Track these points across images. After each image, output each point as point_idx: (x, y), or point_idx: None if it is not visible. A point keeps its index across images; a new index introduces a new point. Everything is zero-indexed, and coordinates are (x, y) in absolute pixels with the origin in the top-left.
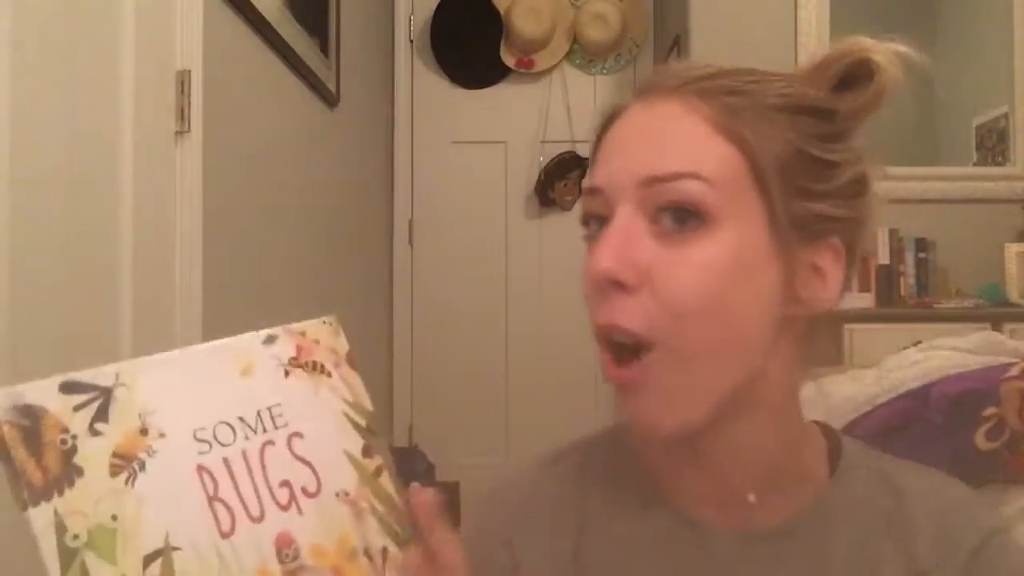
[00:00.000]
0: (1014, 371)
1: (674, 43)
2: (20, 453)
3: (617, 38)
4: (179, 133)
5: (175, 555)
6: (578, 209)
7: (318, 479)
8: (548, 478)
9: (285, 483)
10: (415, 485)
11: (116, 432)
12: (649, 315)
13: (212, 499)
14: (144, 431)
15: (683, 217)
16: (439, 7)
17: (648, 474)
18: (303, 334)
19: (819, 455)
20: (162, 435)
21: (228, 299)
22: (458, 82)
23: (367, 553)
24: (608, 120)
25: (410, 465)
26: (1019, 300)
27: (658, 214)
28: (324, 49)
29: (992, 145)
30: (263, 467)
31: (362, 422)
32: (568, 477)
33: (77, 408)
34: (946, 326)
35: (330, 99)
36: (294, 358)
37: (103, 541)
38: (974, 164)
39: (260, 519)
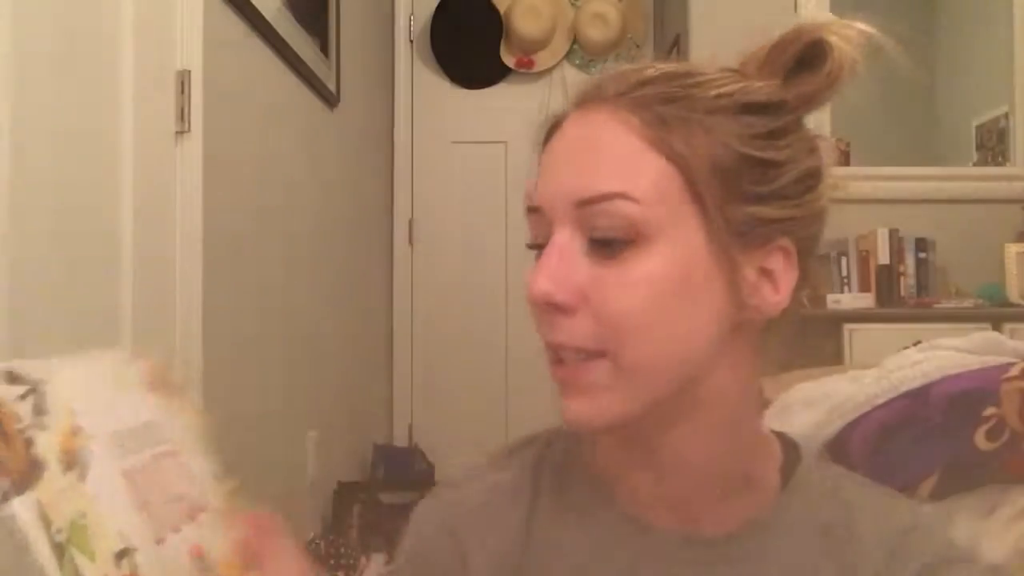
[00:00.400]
0: (1014, 371)
1: (674, 43)
2: None
3: (617, 38)
4: (179, 133)
5: (136, 556)
6: None
7: (199, 495)
8: (501, 475)
9: (181, 497)
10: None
11: (56, 428)
12: (592, 332)
13: (141, 505)
14: (76, 431)
15: (616, 236)
16: (439, 7)
17: (599, 474)
18: (147, 361)
19: (772, 465)
20: (91, 436)
21: (228, 299)
22: (458, 82)
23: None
24: (550, 130)
25: (410, 465)
26: (1019, 300)
27: (593, 234)
28: (324, 49)
29: (992, 145)
30: (161, 479)
31: (207, 445)
32: (522, 474)
33: (23, 398)
34: (946, 326)
35: (330, 99)
36: (149, 380)
37: (79, 537)
38: (974, 164)
39: (177, 529)
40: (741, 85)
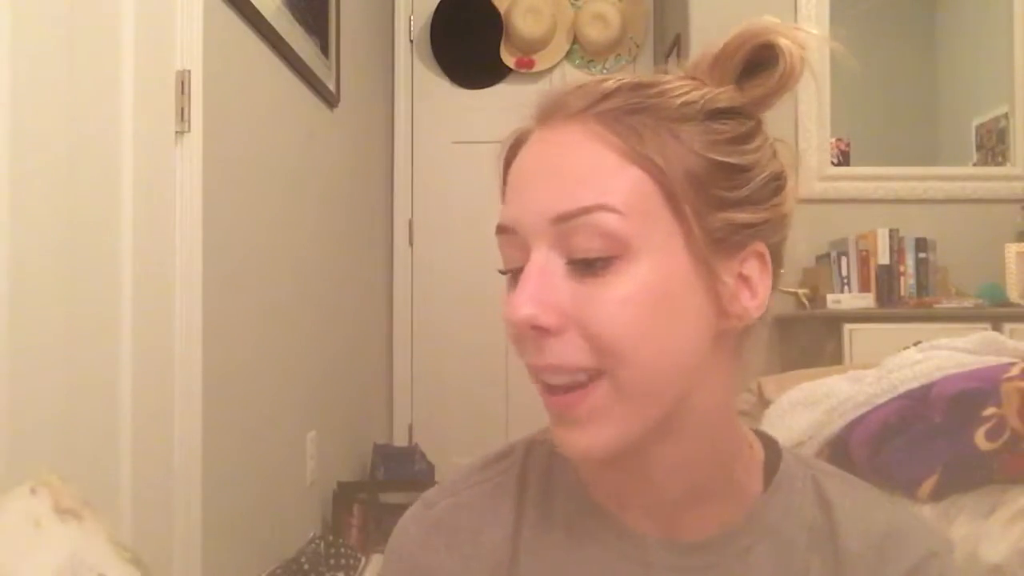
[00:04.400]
0: (1014, 371)
1: (674, 43)
2: None
3: (617, 38)
4: (179, 133)
5: None
6: None
7: None
8: (484, 488)
9: None
10: None
11: None
12: (582, 350)
13: None
14: None
15: (598, 252)
16: (439, 7)
17: (583, 481)
18: (47, 484)
19: (754, 467)
20: None
21: (228, 299)
22: (458, 82)
23: None
24: (513, 147)
25: (410, 465)
26: (1019, 300)
27: (573, 251)
28: (324, 49)
29: (992, 145)
30: None
31: (127, 555)
32: (504, 489)
33: None
34: (946, 326)
35: (330, 99)
36: (55, 504)
37: None
38: (974, 164)
39: None
40: (703, 92)
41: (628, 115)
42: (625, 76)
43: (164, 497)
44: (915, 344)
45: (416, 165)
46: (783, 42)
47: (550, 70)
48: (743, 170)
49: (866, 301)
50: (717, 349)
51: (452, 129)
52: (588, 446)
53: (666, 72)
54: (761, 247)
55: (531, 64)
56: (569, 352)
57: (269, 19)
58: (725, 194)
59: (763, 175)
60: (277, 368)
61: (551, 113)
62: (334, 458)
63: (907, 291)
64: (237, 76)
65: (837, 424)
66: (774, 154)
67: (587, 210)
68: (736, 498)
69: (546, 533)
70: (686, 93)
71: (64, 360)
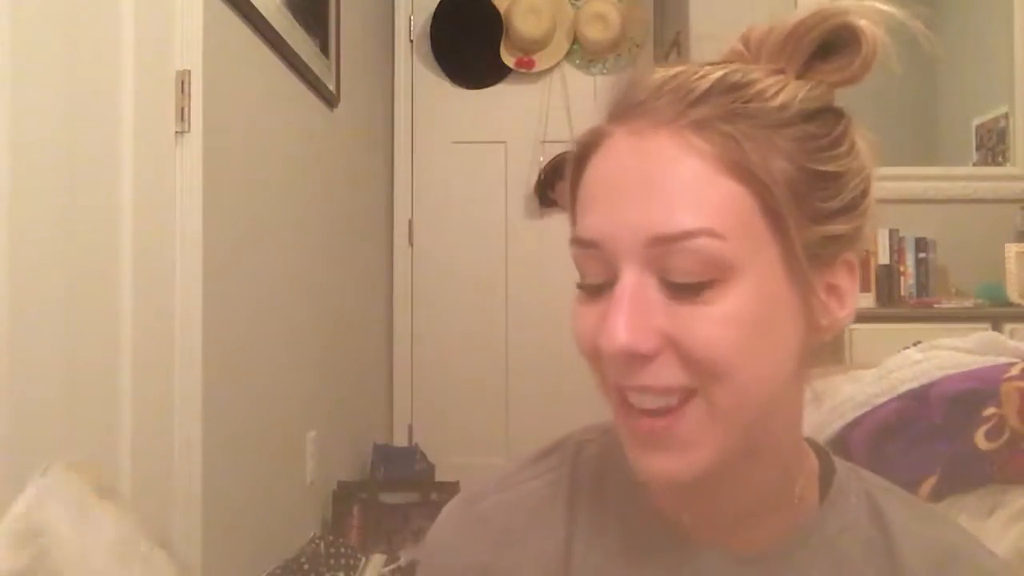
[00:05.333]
0: (1014, 371)
1: (674, 43)
2: None
3: (617, 38)
4: (179, 133)
5: None
6: None
7: None
8: (535, 487)
9: None
10: None
11: None
12: (677, 370)
13: None
14: None
15: (698, 277)
16: (439, 7)
17: (639, 485)
18: (89, 471)
19: (811, 479)
20: None
21: (228, 299)
22: (458, 82)
23: None
24: (587, 148)
25: (410, 465)
26: (1019, 300)
27: (669, 272)
28: (324, 49)
29: (992, 145)
30: None
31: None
32: (557, 487)
33: None
34: (946, 326)
35: (330, 99)
36: (100, 489)
37: None
38: (974, 164)
39: None
40: (797, 90)
41: (724, 122)
42: (714, 69)
43: (164, 497)
44: (915, 344)
45: (416, 165)
46: (863, 23)
47: (550, 70)
48: (837, 178)
49: (866, 301)
50: (799, 362)
51: (452, 129)
52: (680, 471)
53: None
54: (850, 256)
55: (531, 64)
56: (664, 373)
57: (269, 19)
58: (822, 205)
59: (855, 183)
60: (277, 368)
61: (634, 115)
62: (334, 458)
63: (907, 291)
64: (237, 76)
65: (837, 424)
66: (862, 162)
67: (688, 235)
68: (795, 510)
69: (599, 540)
70: (781, 92)
71: (64, 359)
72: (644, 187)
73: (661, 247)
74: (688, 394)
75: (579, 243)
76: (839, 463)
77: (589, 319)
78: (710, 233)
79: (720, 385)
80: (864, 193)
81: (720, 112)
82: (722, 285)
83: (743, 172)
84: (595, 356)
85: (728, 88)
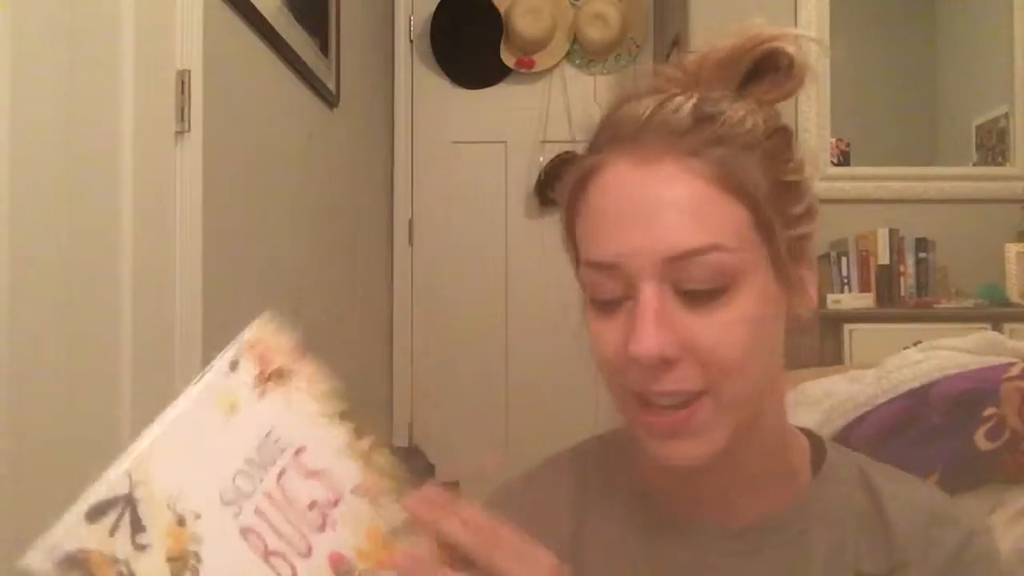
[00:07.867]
0: (1014, 371)
1: (674, 43)
2: None
3: (617, 38)
4: (179, 133)
5: None
6: None
7: (332, 485)
8: (551, 473)
9: (312, 504)
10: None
11: (158, 537)
12: (696, 373)
13: (266, 556)
14: (181, 521)
15: (711, 285)
16: (439, 7)
17: (640, 475)
18: (254, 346)
19: (803, 457)
20: (197, 517)
21: (228, 299)
22: (458, 82)
23: (394, 532)
24: (588, 174)
25: (410, 465)
26: (1019, 300)
27: (683, 283)
28: (324, 49)
29: (992, 145)
30: (287, 500)
31: (337, 409)
32: (569, 488)
33: (112, 532)
34: (946, 326)
35: (330, 99)
36: (260, 374)
37: None
38: (974, 164)
39: (309, 553)
40: (762, 114)
41: (712, 147)
42: (685, 102)
43: None
44: (915, 344)
45: (416, 165)
46: (792, 49)
47: (550, 70)
48: (799, 185)
49: (866, 301)
50: (781, 348)
51: (452, 129)
52: (698, 456)
53: (665, 70)
54: (810, 251)
55: (531, 64)
56: (685, 377)
57: (269, 19)
58: (791, 211)
59: (809, 188)
60: None
61: (634, 147)
62: None
63: (907, 291)
64: (237, 76)
65: (837, 424)
66: (805, 167)
67: (702, 250)
68: (787, 485)
69: (606, 518)
70: (747, 116)
71: (64, 359)
72: (655, 210)
73: (678, 262)
74: (700, 392)
75: (596, 266)
76: (830, 443)
77: (610, 332)
78: (721, 248)
79: (730, 382)
80: (814, 196)
81: (706, 139)
82: (731, 291)
83: (738, 189)
84: (618, 364)
85: (706, 118)
